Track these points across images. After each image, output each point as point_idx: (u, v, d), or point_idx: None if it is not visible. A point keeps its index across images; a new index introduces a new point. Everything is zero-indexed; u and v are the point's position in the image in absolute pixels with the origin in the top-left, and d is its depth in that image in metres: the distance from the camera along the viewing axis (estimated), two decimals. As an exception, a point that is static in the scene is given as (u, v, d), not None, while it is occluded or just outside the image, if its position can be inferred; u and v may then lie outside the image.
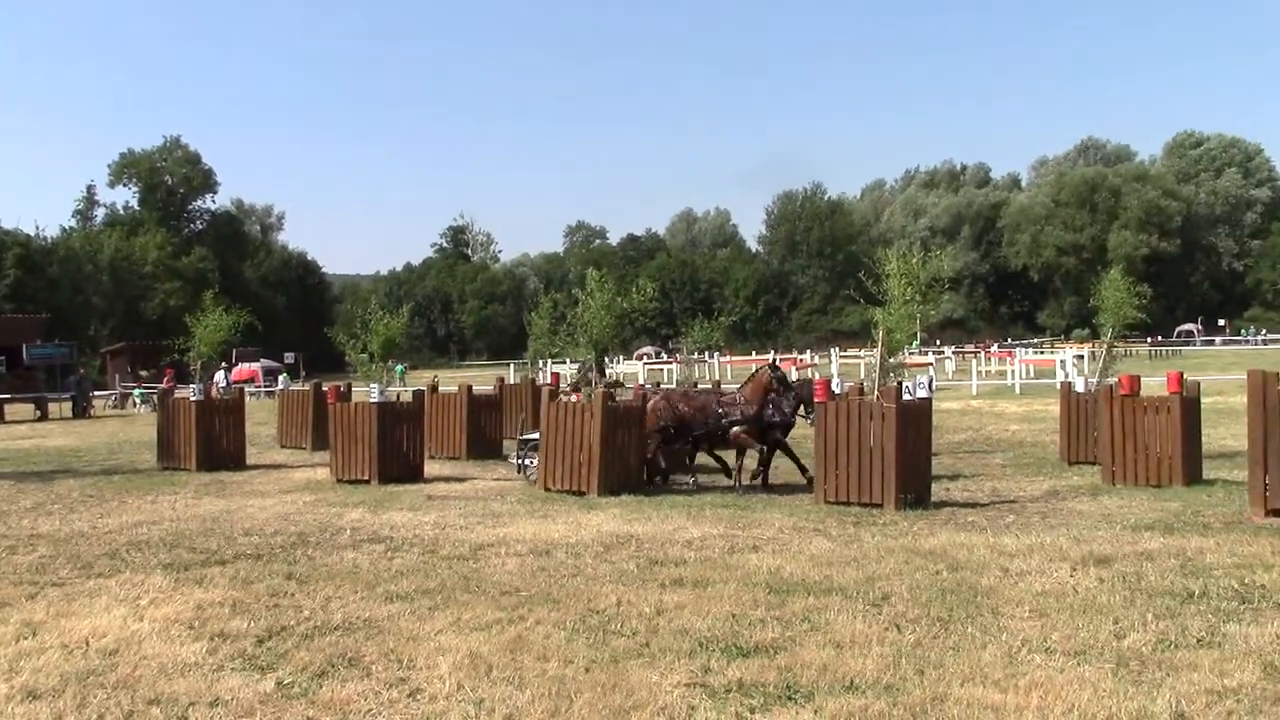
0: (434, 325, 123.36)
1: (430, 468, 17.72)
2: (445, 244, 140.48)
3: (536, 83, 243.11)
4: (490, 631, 6.98)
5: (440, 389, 22.56)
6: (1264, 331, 78.78)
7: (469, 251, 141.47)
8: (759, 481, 15.16)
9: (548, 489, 14.50)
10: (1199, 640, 6.36)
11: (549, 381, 24.71)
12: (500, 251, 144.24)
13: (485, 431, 20.85)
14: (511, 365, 55.97)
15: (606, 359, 15.75)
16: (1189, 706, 5.25)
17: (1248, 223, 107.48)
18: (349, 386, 19.86)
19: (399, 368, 61.58)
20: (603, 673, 6.04)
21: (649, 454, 15.28)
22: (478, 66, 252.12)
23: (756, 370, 16.12)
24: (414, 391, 19.07)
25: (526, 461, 16.16)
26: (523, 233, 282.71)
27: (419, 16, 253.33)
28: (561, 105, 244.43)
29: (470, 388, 21.28)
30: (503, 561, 9.51)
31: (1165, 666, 5.86)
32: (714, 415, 15.06)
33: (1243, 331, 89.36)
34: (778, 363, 17.63)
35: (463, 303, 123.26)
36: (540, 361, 30.97)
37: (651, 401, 15.48)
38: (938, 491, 13.56)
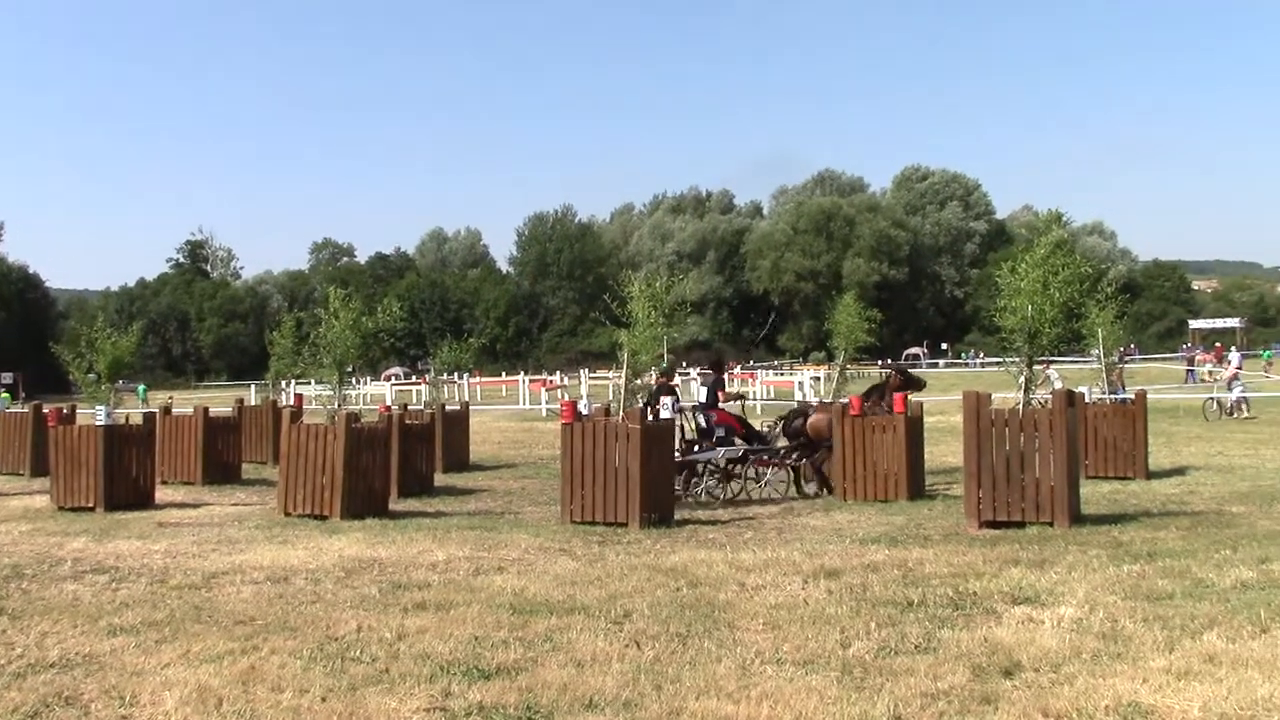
0: (169, 344, 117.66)
1: (162, 493, 16.92)
2: (182, 259, 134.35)
3: (280, 94, 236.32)
4: (221, 663, 6.71)
5: (174, 410, 21.60)
6: (982, 355, 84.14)
7: (208, 268, 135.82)
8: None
9: (287, 513, 14.06)
10: (916, 646, 6.73)
11: (292, 403, 24.04)
12: (242, 268, 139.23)
13: (223, 455, 20.07)
14: (253, 386, 54.04)
15: (353, 380, 15.37)
16: (905, 709, 5.55)
17: (968, 253, 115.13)
18: (73, 408, 18.75)
19: (140, 388, 58.70)
20: (339, 701, 5.90)
21: (822, 466, 15.76)
22: (216, 75, 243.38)
23: (886, 377, 16.97)
24: (144, 414, 18.17)
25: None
26: (266, 249, 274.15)
27: (150, 18, 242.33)
28: (306, 119, 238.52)
29: (207, 409, 20.44)
30: (237, 590, 9.16)
31: (885, 672, 6.18)
32: None
33: (963, 355, 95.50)
34: (904, 365, 18.16)
35: (201, 321, 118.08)
36: (282, 382, 29.99)
37: (815, 417, 15.94)
38: (681, 510, 13.88)
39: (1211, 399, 30.35)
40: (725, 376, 16.80)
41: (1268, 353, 71.03)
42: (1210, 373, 37.48)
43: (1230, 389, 30.66)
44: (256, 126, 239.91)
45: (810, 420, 16.20)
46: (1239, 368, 34.32)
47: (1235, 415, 28.88)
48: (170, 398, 36.00)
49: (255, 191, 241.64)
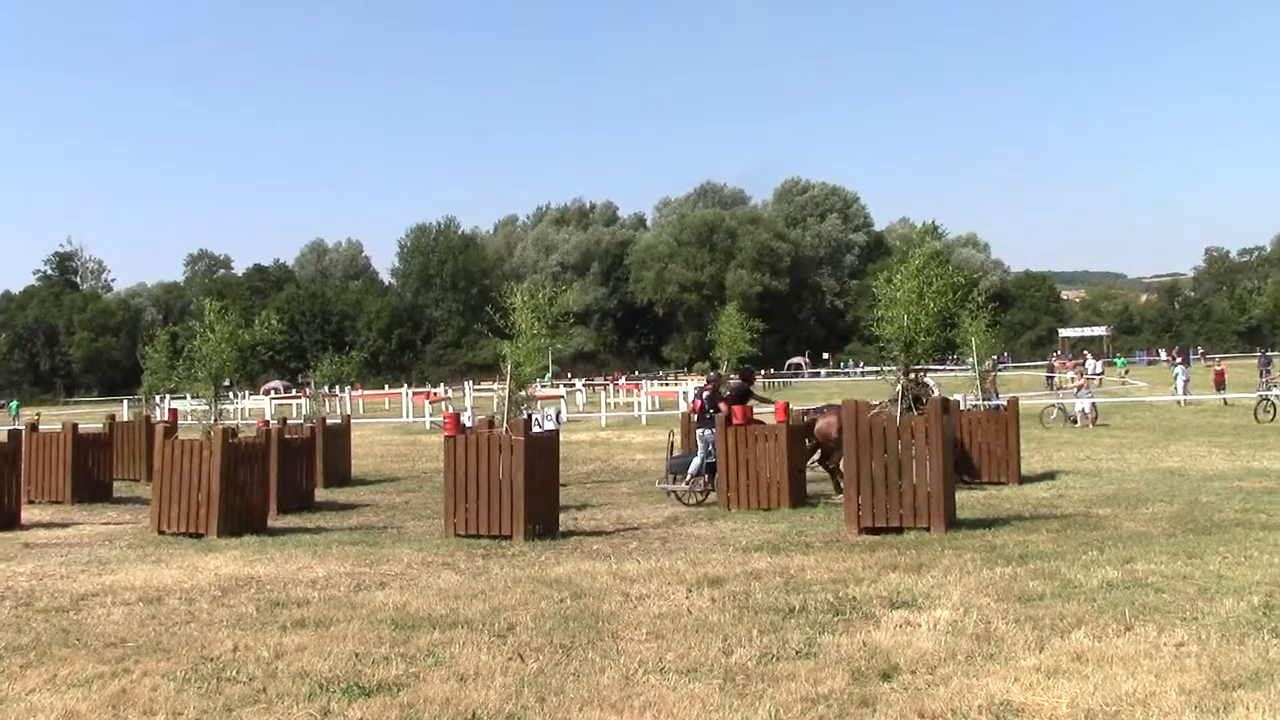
0: (36, 359, 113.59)
1: (29, 513, 16.34)
2: (50, 271, 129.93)
3: (153, 101, 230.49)
4: (90, 687, 6.50)
5: (42, 427, 20.87)
6: (862, 364, 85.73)
7: (78, 280, 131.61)
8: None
9: (161, 532, 13.69)
10: (798, 652, 6.83)
11: (166, 418, 23.41)
12: (114, 280, 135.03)
13: (93, 473, 19.44)
14: (125, 401, 52.48)
15: (230, 394, 15.08)
16: (786, 714, 5.63)
17: (847, 264, 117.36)
18: (-68, 426, 18.05)
19: (13, 404, 56.60)
20: (215, 723, 5.77)
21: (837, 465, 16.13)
22: (85, 78, 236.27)
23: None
24: (9, 431, 17.52)
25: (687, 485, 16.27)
26: (139, 261, 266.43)
27: (9, 19, 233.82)
28: (181, 127, 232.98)
29: (76, 426, 19.79)
30: (108, 611, 8.89)
31: (767, 678, 6.25)
32: None
33: (844, 364, 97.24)
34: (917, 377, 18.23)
35: (70, 334, 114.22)
36: (156, 397, 29.14)
37: (828, 419, 16.30)
38: (566, 521, 13.87)
39: (1052, 406, 30.98)
40: (750, 387, 17.43)
41: (1121, 361, 73.77)
42: (1070, 379, 38.48)
43: (1078, 397, 30.95)
44: (129, 134, 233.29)
45: (819, 425, 16.65)
46: (1096, 375, 35.06)
47: (1080, 424, 29.11)
48: (38, 414, 34.65)
49: (128, 202, 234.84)
